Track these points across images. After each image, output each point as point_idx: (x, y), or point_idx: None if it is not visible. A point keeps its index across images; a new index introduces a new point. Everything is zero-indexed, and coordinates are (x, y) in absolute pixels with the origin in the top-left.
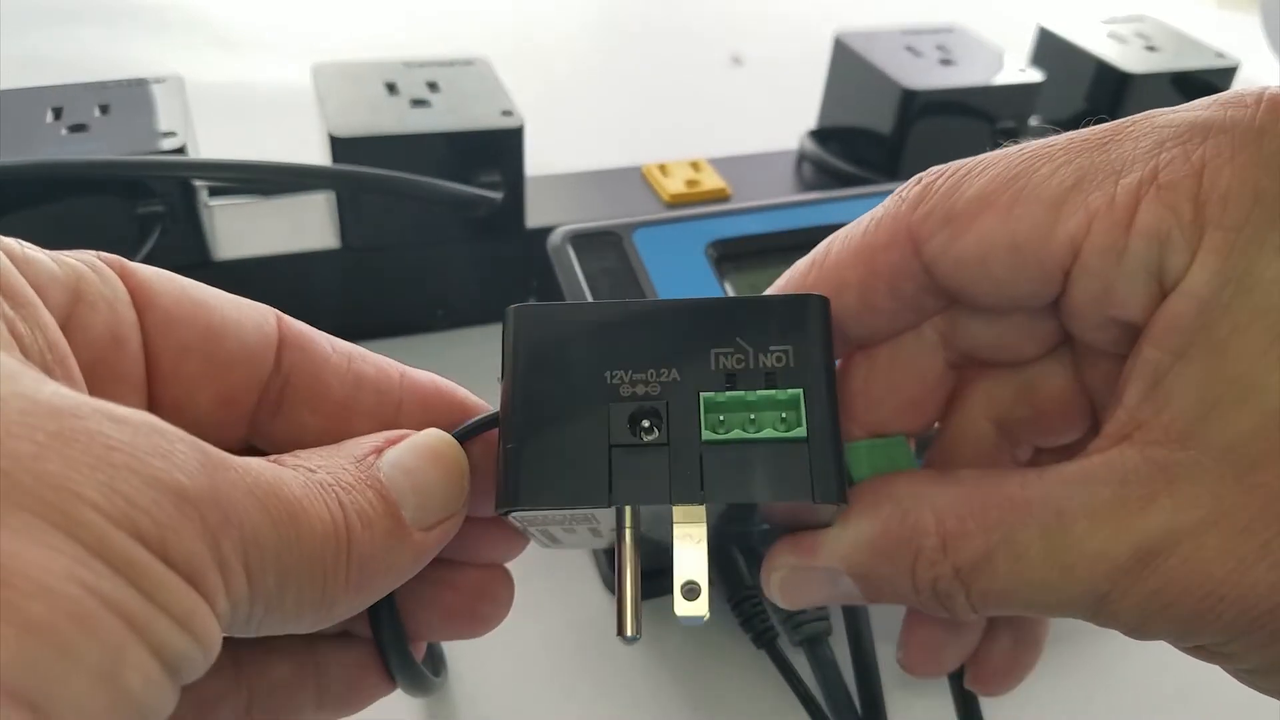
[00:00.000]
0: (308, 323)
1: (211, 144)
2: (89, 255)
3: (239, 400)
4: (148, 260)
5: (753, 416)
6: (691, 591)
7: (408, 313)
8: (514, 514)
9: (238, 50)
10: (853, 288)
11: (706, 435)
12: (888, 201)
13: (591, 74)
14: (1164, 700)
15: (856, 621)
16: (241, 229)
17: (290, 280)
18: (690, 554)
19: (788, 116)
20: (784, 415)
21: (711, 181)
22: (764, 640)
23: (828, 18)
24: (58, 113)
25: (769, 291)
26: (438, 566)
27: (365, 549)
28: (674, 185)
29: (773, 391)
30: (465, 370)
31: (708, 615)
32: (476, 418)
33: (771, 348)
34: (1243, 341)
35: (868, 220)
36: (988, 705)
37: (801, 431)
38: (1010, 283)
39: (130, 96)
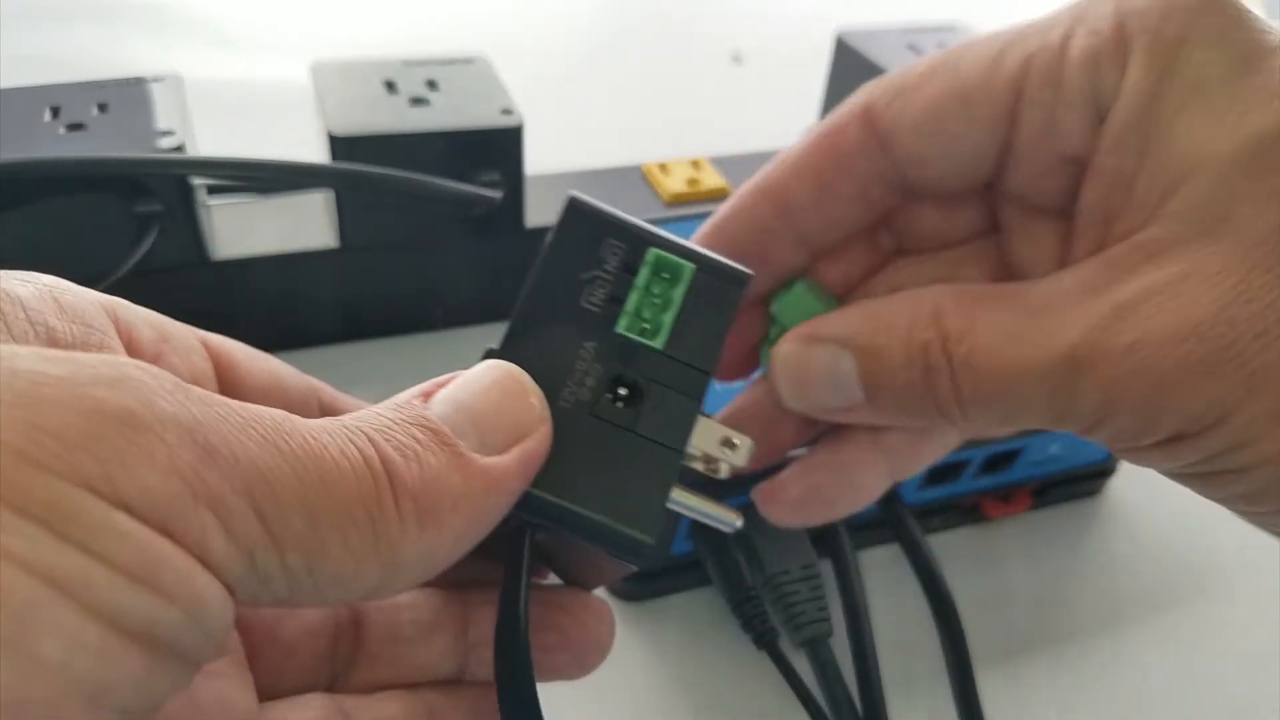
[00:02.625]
0: (307, 322)
1: (210, 143)
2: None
3: None
4: (146, 259)
5: (656, 296)
6: (729, 442)
7: (406, 312)
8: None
9: (236, 49)
10: (811, 174)
11: (659, 344)
12: (836, 108)
13: (591, 73)
14: (1163, 700)
15: (858, 623)
16: (240, 228)
17: (288, 279)
18: (702, 429)
19: (788, 115)
20: (665, 275)
21: (712, 181)
22: (765, 641)
23: (829, 16)
24: (55, 111)
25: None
26: (545, 592)
27: (415, 482)
28: (674, 184)
29: (640, 276)
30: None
31: (752, 444)
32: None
33: (606, 265)
34: (1185, 118)
35: (822, 121)
36: (988, 705)
37: (689, 267)
38: (963, 135)
39: (128, 95)
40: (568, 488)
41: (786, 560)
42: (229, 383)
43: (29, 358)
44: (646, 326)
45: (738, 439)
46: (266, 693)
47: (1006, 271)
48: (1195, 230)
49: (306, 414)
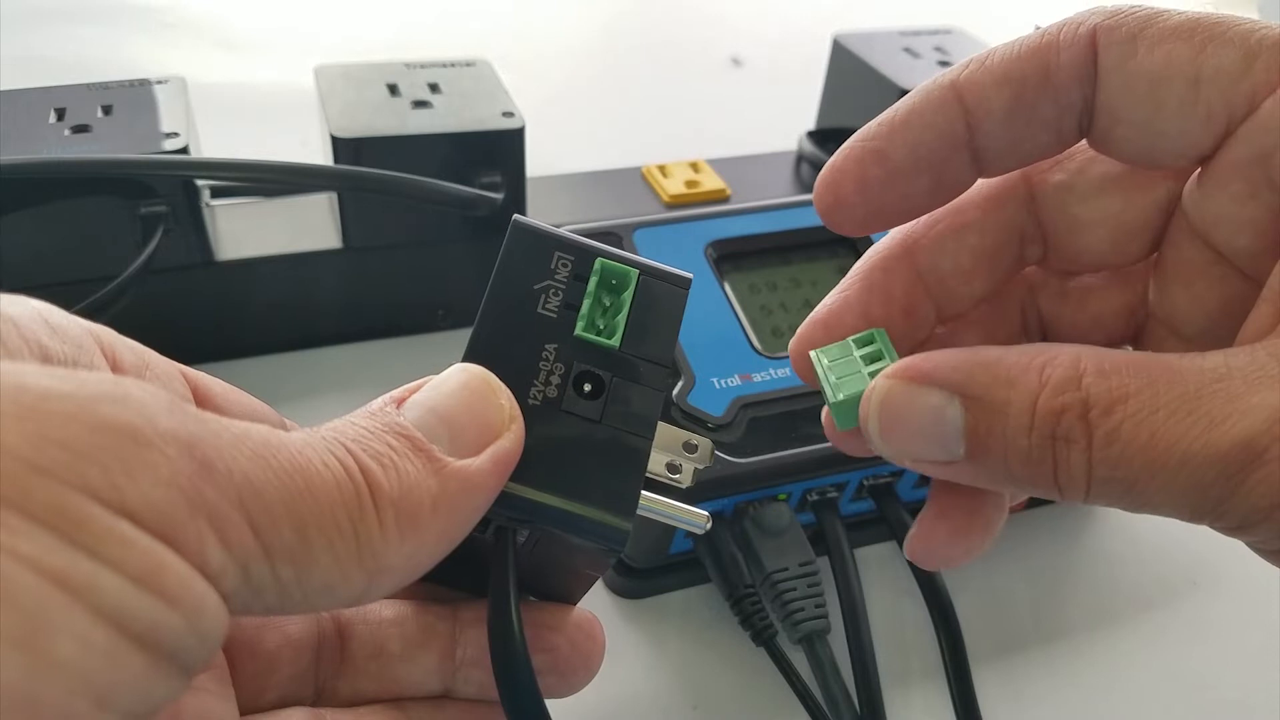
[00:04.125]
0: (310, 323)
1: (214, 145)
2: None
3: None
4: (152, 260)
5: (606, 303)
6: (689, 445)
7: (409, 313)
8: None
9: (240, 51)
10: (1014, 85)
11: (616, 342)
12: (1068, 17)
13: (592, 75)
14: (1157, 697)
15: (855, 619)
16: (243, 229)
17: (292, 280)
18: (662, 433)
19: (786, 117)
20: (613, 281)
21: (711, 182)
22: (763, 638)
23: (826, 19)
24: (60, 114)
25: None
26: (532, 611)
27: (393, 490)
28: (674, 186)
29: (590, 283)
30: None
31: (711, 444)
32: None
33: (557, 275)
34: None
35: (1044, 27)
36: (987, 704)
37: (634, 273)
38: (1172, 119)
39: (133, 97)
40: (543, 482)
41: (784, 558)
42: (213, 409)
43: (35, 374)
44: (601, 328)
45: (696, 440)
46: (248, 706)
47: (1146, 317)
48: None
49: None
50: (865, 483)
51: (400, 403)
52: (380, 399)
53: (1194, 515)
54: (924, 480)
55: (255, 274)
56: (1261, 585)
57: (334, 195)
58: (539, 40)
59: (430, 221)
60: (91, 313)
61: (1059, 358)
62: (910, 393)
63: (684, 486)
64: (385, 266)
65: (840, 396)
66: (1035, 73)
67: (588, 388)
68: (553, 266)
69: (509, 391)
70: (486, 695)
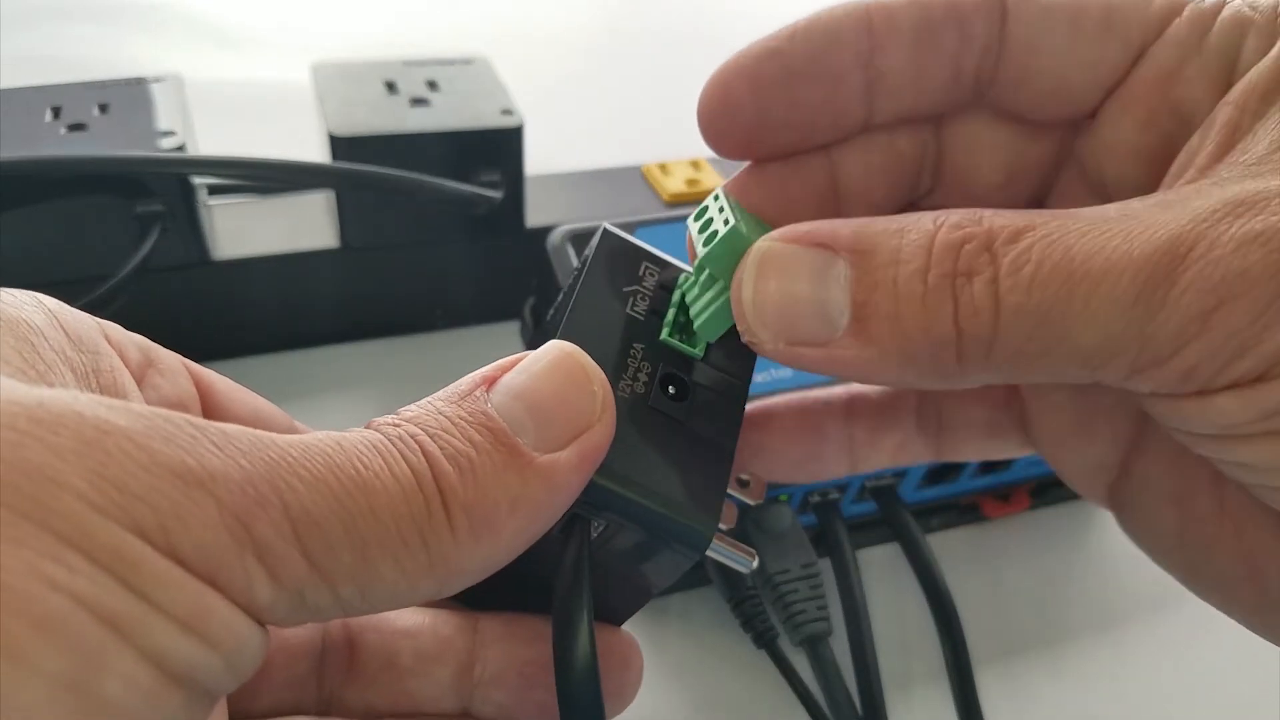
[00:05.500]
0: (308, 322)
1: (211, 143)
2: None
3: None
4: (148, 259)
5: (684, 319)
6: (739, 479)
7: (407, 312)
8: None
9: (237, 49)
10: (921, 9)
11: (699, 352)
12: None
13: (591, 73)
14: (1162, 699)
15: (857, 622)
16: (240, 228)
17: (289, 279)
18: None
19: None
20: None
21: (712, 181)
22: (764, 640)
23: None
24: (56, 112)
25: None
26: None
27: (468, 494)
28: (674, 185)
29: (675, 294)
30: (464, 370)
31: (764, 481)
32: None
33: (644, 283)
34: None
35: None
36: (989, 706)
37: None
38: (1091, 44)
39: (129, 95)
40: (628, 477)
41: (786, 559)
42: (210, 409)
43: (91, 404)
44: (684, 338)
45: (747, 475)
46: (239, 712)
47: None
48: None
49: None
50: (867, 485)
51: (491, 384)
52: (471, 378)
53: (1118, 352)
54: (927, 481)
55: (252, 273)
56: None
57: (332, 194)
58: (538, 38)
59: (428, 221)
60: (88, 312)
61: (954, 210)
62: (791, 252)
63: (726, 527)
64: (383, 266)
65: (711, 246)
66: (942, 3)
67: (672, 390)
68: (640, 274)
69: (603, 377)
70: (507, 718)
